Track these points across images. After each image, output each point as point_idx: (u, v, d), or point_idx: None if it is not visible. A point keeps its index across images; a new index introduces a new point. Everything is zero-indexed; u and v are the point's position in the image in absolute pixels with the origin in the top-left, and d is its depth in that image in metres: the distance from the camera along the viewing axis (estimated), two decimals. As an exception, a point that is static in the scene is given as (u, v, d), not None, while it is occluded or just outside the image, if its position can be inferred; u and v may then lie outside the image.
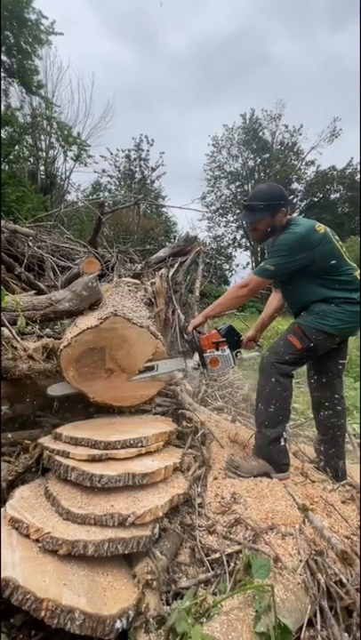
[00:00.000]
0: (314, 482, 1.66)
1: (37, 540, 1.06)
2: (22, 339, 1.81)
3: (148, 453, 1.45)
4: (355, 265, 1.74)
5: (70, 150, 13.70)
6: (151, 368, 1.82)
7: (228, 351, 1.82)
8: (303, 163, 24.98)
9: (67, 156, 14.01)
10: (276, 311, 2.09)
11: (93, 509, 1.15)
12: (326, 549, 1.20)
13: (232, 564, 1.16)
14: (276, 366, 1.66)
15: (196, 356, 1.84)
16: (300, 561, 1.14)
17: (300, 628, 1.01)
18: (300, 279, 1.73)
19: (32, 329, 1.98)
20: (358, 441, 2.66)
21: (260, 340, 2.09)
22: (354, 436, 2.83)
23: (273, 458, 1.65)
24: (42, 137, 14.11)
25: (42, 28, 10.84)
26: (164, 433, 1.58)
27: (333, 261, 1.69)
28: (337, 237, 1.75)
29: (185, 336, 1.88)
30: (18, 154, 12.85)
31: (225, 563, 1.16)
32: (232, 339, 1.85)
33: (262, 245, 2.11)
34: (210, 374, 1.86)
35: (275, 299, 2.08)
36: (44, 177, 14.29)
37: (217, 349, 1.82)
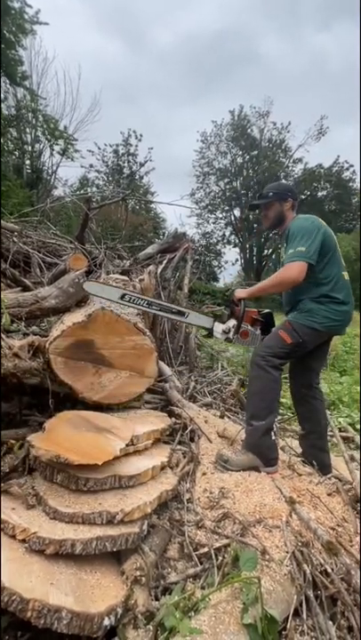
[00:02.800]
0: (301, 475, 1.69)
1: (24, 541, 1.04)
2: (7, 336, 1.77)
3: (137, 452, 1.45)
4: (344, 265, 1.86)
5: (57, 144, 13.44)
6: (182, 314, 1.89)
7: (259, 331, 1.94)
8: (291, 160, 25.20)
9: (53, 150, 13.73)
10: None
11: (81, 508, 1.14)
12: (312, 540, 1.22)
13: (220, 558, 1.17)
14: (267, 359, 1.72)
15: (231, 322, 1.92)
16: (287, 552, 1.16)
17: (287, 618, 1.02)
18: None
19: (17, 326, 1.95)
20: (344, 434, 2.72)
21: None
22: (340, 429, 2.89)
23: (262, 452, 1.67)
24: (27, 130, 13.76)
25: (26, 17, 10.54)
26: (156, 431, 1.58)
27: (328, 254, 1.78)
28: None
29: (231, 301, 1.98)
30: (2, 147, 12.51)
31: (213, 557, 1.17)
32: (267, 324, 1.97)
33: (271, 232, 2.26)
34: (236, 342, 1.95)
35: None
36: (29, 171, 13.96)
37: (252, 325, 1.94)
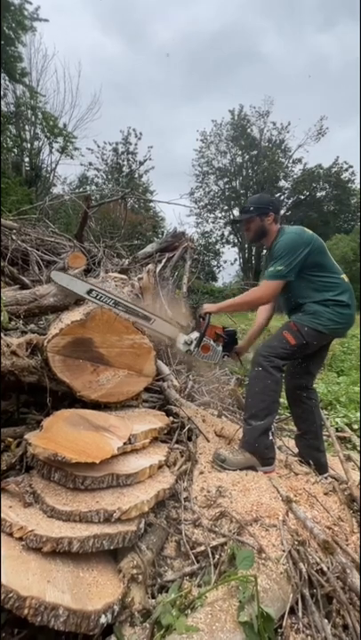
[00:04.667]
0: (297, 474, 1.70)
1: (21, 539, 1.04)
2: (6, 334, 1.76)
3: (135, 451, 1.45)
4: (340, 269, 1.87)
5: (56, 142, 13.40)
6: (148, 319, 1.87)
7: (220, 348, 1.94)
8: (290, 160, 25.24)
9: (52, 147, 13.70)
10: (263, 325, 2.17)
11: (78, 506, 1.14)
12: (308, 539, 1.23)
13: (217, 557, 1.18)
14: (270, 359, 1.72)
15: (194, 335, 1.93)
16: (283, 551, 1.17)
17: (283, 616, 1.03)
18: (294, 285, 1.82)
19: (15, 324, 1.94)
20: (340, 434, 2.74)
21: (244, 356, 2.16)
22: (337, 429, 2.91)
23: (260, 451, 1.68)
24: (26, 127, 13.71)
25: (25, 13, 10.48)
26: (154, 429, 1.58)
27: (324, 261, 1.81)
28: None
29: (197, 314, 1.98)
30: (1, 144, 12.45)
31: (210, 555, 1.17)
32: (230, 341, 1.99)
33: (255, 245, 2.30)
34: (195, 355, 1.95)
35: (262, 312, 2.16)
36: (28, 169, 13.90)
37: (214, 341, 1.93)
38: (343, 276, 1.85)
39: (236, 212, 25.80)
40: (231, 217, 25.48)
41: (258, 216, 1.91)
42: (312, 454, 1.89)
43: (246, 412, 1.78)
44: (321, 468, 1.85)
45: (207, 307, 1.94)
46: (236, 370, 2.17)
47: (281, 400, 3.26)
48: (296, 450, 2.04)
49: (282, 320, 1.96)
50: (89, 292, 1.80)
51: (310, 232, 1.86)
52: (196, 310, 2.09)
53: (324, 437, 2.05)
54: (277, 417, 2.56)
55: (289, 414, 2.94)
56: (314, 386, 2.02)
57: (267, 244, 1.98)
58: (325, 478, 1.72)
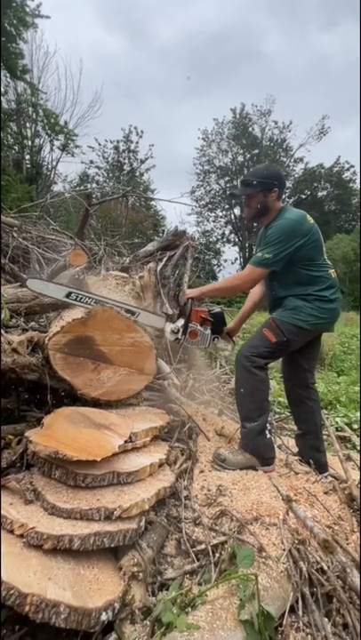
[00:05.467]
0: (298, 474, 1.70)
1: (22, 536, 1.04)
2: (6, 332, 1.76)
3: (135, 449, 1.45)
4: (330, 263, 1.80)
5: (57, 139, 13.38)
6: (132, 313, 1.84)
7: (209, 332, 1.88)
8: (292, 160, 25.19)
9: (53, 145, 13.68)
10: (256, 303, 2.09)
11: (79, 504, 1.14)
12: (309, 538, 1.23)
13: (217, 555, 1.18)
14: (252, 359, 1.69)
15: (180, 322, 1.87)
16: (284, 550, 1.17)
17: (283, 615, 1.03)
18: (281, 274, 1.75)
19: (16, 322, 1.94)
20: (340, 434, 2.74)
21: (237, 335, 2.11)
22: (338, 429, 2.91)
23: (259, 451, 1.67)
24: (27, 124, 13.68)
25: (27, 10, 10.44)
26: (155, 428, 1.58)
27: (316, 255, 1.72)
28: (320, 234, 1.79)
29: (178, 300, 1.91)
30: (2, 141, 12.43)
31: (210, 553, 1.17)
32: (218, 323, 1.91)
33: (253, 227, 2.15)
34: (184, 343, 1.90)
35: (256, 291, 2.07)
36: (29, 166, 13.87)
37: (201, 325, 1.87)
38: (332, 271, 1.78)
39: (237, 210, 25.78)
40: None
41: (261, 192, 1.75)
42: (312, 454, 1.87)
43: (240, 414, 1.76)
44: (321, 467, 1.84)
45: (189, 292, 1.88)
46: (228, 350, 2.12)
47: (281, 399, 3.26)
48: (296, 449, 2.04)
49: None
50: (68, 295, 1.75)
51: (311, 222, 1.74)
52: (177, 297, 2.00)
53: (324, 437, 2.05)
54: (278, 416, 2.56)
55: (289, 413, 2.95)
56: (315, 385, 1.98)
57: (265, 222, 1.84)
58: (326, 477, 1.72)
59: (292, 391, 1.95)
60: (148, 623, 0.97)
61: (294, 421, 2.03)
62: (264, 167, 1.90)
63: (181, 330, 1.84)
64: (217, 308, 1.96)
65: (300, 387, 1.91)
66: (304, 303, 1.70)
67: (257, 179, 1.75)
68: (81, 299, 1.80)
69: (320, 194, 25.38)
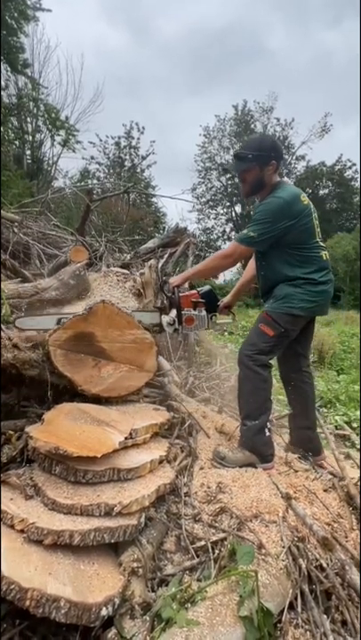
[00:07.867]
0: (297, 471, 1.70)
1: (22, 531, 1.05)
2: (7, 328, 1.76)
3: (136, 445, 1.45)
4: (324, 245, 1.74)
5: (58, 135, 13.26)
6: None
7: (204, 312, 1.85)
8: (294, 157, 25.06)
9: (54, 140, 13.56)
10: (253, 274, 2.02)
11: (80, 499, 1.14)
12: (308, 536, 1.23)
13: (217, 552, 1.18)
14: (254, 357, 1.67)
15: (173, 313, 1.85)
16: (283, 547, 1.17)
17: (282, 612, 1.04)
18: (271, 254, 1.71)
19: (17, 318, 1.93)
20: (340, 432, 2.75)
21: (234, 307, 2.09)
22: (337, 427, 2.92)
23: (258, 449, 1.68)
24: (28, 119, 13.57)
25: (28, 2, 10.33)
26: (155, 425, 1.58)
27: (306, 237, 1.66)
28: (316, 215, 1.72)
29: (165, 292, 1.87)
30: (2, 136, 12.34)
31: (210, 550, 1.18)
32: (210, 301, 1.88)
33: (250, 200, 2.07)
34: (184, 332, 1.88)
35: (253, 265, 2.00)
36: (30, 161, 13.79)
37: (194, 309, 1.84)
38: (324, 253, 1.71)
39: (238, 208, 25.69)
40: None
41: (258, 165, 1.64)
42: (302, 435, 1.87)
43: (240, 412, 1.76)
44: (314, 450, 1.83)
45: (173, 280, 1.85)
46: (229, 323, 2.08)
47: (281, 397, 3.27)
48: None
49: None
50: (59, 322, 1.73)
51: (305, 203, 1.64)
52: (163, 288, 1.96)
53: (322, 436, 2.05)
54: (278, 414, 2.56)
55: (289, 411, 2.95)
56: (309, 368, 1.96)
57: (262, 196, 1.73)
58: (324, 474, 1.72)
59: (287, 375, 1.94)
60: (148, 618, 0.97)
61: (288, 402, 2.03)
62: (259, 138, 1.83)
63: (176, 320, 1.82)
64: (205, 287, 1.92)
65: (295, 371, 1.90)
66: (294, 289, 1.65)
67: (252, 152, 1.65)
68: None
69: (322, 192, 25.30)
